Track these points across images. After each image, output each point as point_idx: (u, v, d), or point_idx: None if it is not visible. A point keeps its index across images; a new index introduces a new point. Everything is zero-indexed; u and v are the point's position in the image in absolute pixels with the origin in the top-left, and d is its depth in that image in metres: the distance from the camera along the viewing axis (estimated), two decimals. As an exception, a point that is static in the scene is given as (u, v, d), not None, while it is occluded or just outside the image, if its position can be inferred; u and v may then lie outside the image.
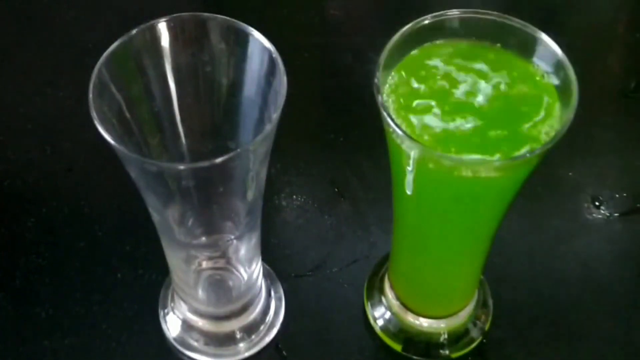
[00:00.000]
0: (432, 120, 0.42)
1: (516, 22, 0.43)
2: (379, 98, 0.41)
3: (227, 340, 0.55)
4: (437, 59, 0.44)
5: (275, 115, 0.40)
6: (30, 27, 0.75)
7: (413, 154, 0.41)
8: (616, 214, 0.63)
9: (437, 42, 0.44)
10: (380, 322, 0.56)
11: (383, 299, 0.57)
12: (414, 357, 0.55)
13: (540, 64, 0.43)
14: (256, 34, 0.43)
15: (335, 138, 0.67)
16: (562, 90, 0.42)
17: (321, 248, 0.60)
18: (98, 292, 0.58)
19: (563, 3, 0.79)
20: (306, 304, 0.58)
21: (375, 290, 0.58)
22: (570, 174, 0.65)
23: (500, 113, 0.42)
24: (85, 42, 0.70)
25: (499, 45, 0.44)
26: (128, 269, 0.59)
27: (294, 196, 0.63)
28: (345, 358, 0.56)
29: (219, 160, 0.38)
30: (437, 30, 0.44)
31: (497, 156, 0.40)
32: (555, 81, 0.43)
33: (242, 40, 0.43)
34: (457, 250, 0.49)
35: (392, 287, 0.56)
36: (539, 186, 0.63)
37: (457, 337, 0.56)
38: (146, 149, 0.45)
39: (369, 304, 0.57)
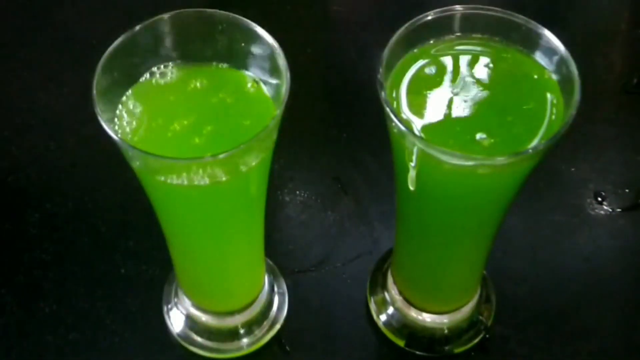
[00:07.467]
0: (435, 116, 0.42)
1: (519, 18, 0.43)
2: (382, 94, 0.41)
3: (230, 335, 0.55)
4: (440, 55, 0.44)
5: (278, 111, 0.40)
6: (34, 23, 0.75)
7: (416, 150, 0.41)
8: (619, 210, 0.63)
9: (440, 38, 0.44)
10: (383, 318, 0.57)
11: (386, 295, 0.57)
12: (417, 352, 0.55)
13: (543, 60, 0.43)
14: (259, 30, 0.43)
15: (338, 134, 0.67)
16: (565, 86, 0.42)
17: (324, 244, 0.60)
18: (102, 287, 0.58)
19: (566, -1, 0.79)
20: (309, 300, 0.58)
21: (378, 286, 0.58)
22: (572, 169, 0.65)
23: (502, 109, 0.42)
24: (89, 39, 0.70)
25: (501, 41, 0.44)
26: (132, 264, 0.59)
27: (297, 192, 0.63)
28: (348, 353, 0.56)
29: (222, 155, 0.38)
30: (440, 26, 0.44)
31: (499, 152, 0.40)
32: (557, 77, 0.43)
33: (246, 37, 0.43)
34: (460, 245, 0.50)
35: (395, 282, 0.56)
36: (541, 182, 0.63)
37: (460, 333, 0.56)
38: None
39: (372, 299, 0.57)
